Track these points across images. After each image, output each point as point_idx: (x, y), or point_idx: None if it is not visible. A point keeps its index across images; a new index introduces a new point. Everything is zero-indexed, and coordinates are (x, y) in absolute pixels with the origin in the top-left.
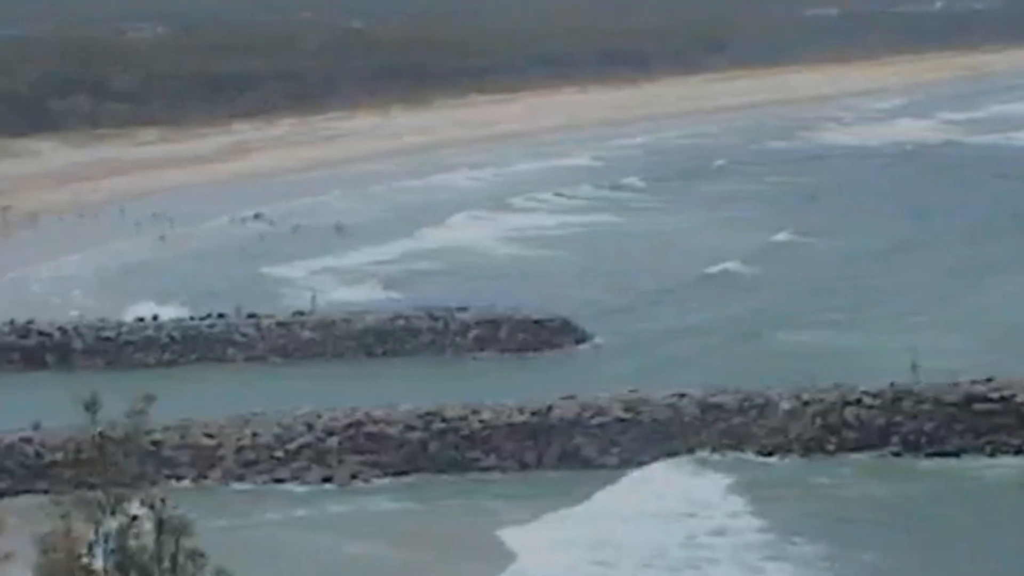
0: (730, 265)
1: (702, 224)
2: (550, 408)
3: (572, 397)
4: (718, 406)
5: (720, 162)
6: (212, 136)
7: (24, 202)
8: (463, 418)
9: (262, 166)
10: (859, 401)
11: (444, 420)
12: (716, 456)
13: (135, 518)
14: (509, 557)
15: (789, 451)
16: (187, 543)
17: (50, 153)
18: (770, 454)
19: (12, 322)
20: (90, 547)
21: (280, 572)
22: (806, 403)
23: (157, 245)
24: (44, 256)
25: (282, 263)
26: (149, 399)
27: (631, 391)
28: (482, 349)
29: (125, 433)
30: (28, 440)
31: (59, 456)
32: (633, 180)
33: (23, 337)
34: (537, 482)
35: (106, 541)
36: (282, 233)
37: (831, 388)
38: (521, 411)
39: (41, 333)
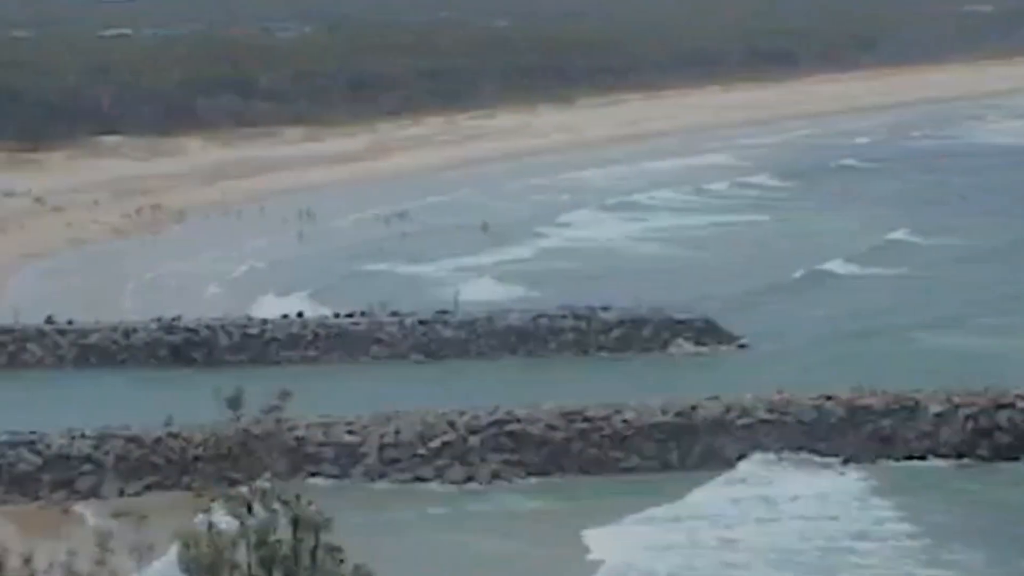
0: (868, 264)
1: (841, 221)
2: (694, 408)
3: (716, 398)
4: (865, 408)
5: (859, 161)
6: (357, 135)
7: (172, 200)
8: (605, 418)
9: (406, 164)
10: (1012, 405)
11: (586, 420)
12: (862, 459)
13: (274, 512)
14: (640, 555)
15: (939, 455)
16: (325, 539)
17: (198, 151)
18: (920, 458)
19: (160, 318)
20: (233, 542)
21: (415, 570)
22: (956, 406)
23: (299, 243)
24: (188, 253)
25: (424, 261)
26: (285, 395)
27: (777, 392)
28: (625, 349)
29: (266, 429)
30: (175, 435)
31: (203, 451)
32: (772, 179)
33: (170, 333)
34: (678, 483)
35: (248, 536)
36: (424, 231)
37: (982, 391)
38: (664, 411)
39: (188, 329)
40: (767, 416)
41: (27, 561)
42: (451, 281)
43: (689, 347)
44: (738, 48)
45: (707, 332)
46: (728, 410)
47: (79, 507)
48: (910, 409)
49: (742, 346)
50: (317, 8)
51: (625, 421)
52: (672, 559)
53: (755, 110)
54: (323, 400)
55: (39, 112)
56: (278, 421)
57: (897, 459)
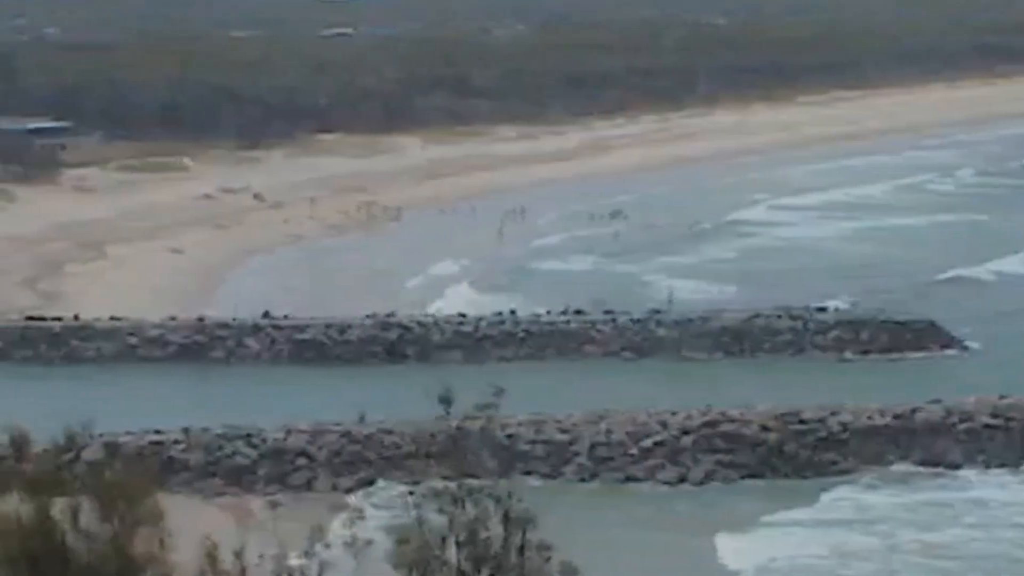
0: None
1: None
2: (914, 411)
3: (937, 401)
4: None
5: None
6: (571, 133)
7: (388, 197)
8: (821, 420)
9: (620, 163)
10: None
11: (802, 421)
12: None
13: (484, 509)
14: (838, 559)
15: None
16: (534, 537)
17: (414, 149)
18: None
19: (374, 315)
20: (443, 539)
21: (622, 570)
22: None
23: (510, 240)
24: (400, 250)
25: (636, 259)
26: (499, 392)
27: (1001, 397)
28: (842, 350)
29: (478, 426)
30: (388, 431)
31: (415, 447)
32: (985, 178)
33: (384, 330)
34: (891, 486)
35: (458, 533)
36: (636, 229)
37: None
38: (883, 414)
39: (401, 326)
40: (990, 421)
41: (240, 553)
42: (663, 279)
43: (910, 350)
44: (965, 45)
45: (928, 334)
46: (949, 414)
47: (293, 500)
48: None
49: (964, 348)
50: (534, 6)
51: (842, 423)
52: (868, 565)
53: (979, 108)
54: (534, 398)
55: (259, 110)
56: (490, 419)
57: None
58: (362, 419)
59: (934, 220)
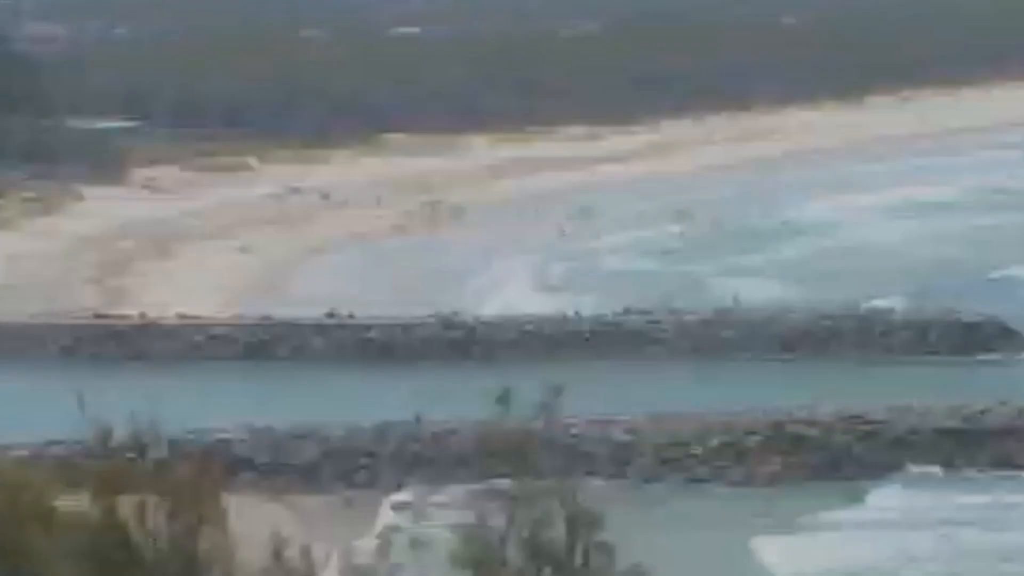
0: None
1: None
2: (982, 413)
3: (1005, 403)
4: None
5: None
6: (638, 133)
7: (453, 197)
8: (887, 421)
9: (687, 163)
10: None
11: (868, 423)
12: None
13: (546, 509)
14: (908, 559)
15: None
16: (599, 538)
17: (479, 149)
18: None
19: (438, 314)
20: (503, 538)
21: (689, 571)
22: None
23: (575, 240)
24: (464, 250)
25: (703, 260)
26: (557, 391)
27: None
28: (910, 352)
29: (541, 426)
30: (452, 431)
31: (478, 447)
32: None
33: (449, 329)
34: (962, 488)
35: (519, 533)
36: (704, 229)
37: None
38: (950, 415)
39: (466, 326)
40: None
41: (306, 552)
42: (729, 279)
43: (980, 352)
44: None
45: (999, 336)
46: (1020, 416)
47: (356, 499)
48: None
49: None
50: (604, 5)
51: (908, 425)
52: (935, 567)
53: None
54: (599, 399)
55: (325, 110)
56: (550, 418)
57: None
58: (418, 420)
59: (1008, 220)
